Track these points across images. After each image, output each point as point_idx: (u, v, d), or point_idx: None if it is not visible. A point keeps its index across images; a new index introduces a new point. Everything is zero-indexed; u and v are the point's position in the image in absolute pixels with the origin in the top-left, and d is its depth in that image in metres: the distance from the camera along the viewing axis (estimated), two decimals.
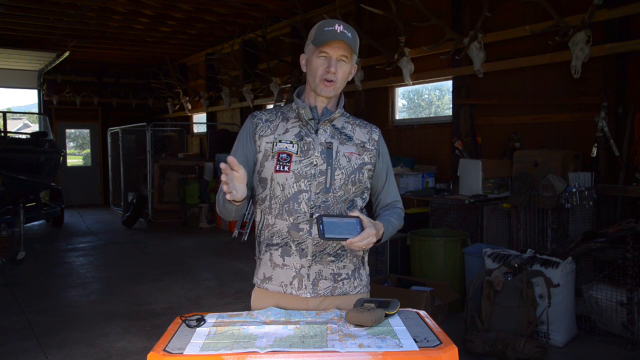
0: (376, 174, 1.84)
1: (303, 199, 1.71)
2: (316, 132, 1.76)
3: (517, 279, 3.72)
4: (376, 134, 1.84)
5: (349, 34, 1.70)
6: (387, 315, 1.57)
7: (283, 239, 1.75)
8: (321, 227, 1.55)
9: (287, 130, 1.77)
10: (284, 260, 1.76)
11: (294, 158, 1.72)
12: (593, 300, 3.89)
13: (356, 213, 1.61)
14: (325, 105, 1.79)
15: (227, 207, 1.66)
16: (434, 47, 5.79)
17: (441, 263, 4.67)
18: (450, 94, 6.23)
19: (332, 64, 1.70)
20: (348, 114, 1.87)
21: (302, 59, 1.81)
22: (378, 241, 1.68)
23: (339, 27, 1.69)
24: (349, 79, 1.80)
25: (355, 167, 1.76)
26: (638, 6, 4.28)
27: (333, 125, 1.79)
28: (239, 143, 1.81)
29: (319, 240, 1.72)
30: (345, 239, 1.56)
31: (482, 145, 5.78)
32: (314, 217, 1.70)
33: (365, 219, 1.60)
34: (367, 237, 1.57)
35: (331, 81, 1.72)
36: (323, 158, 1.73)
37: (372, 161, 1.80)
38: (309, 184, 1.72)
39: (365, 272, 1.86)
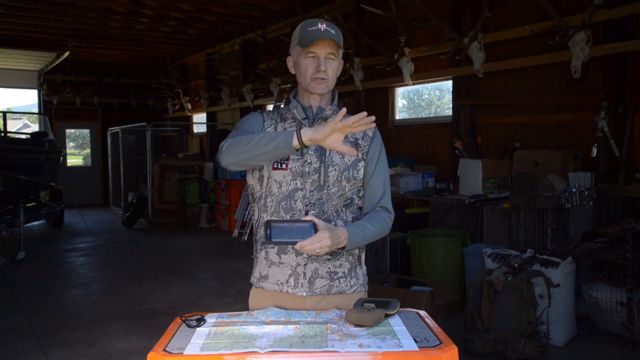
0: (366, 162, 1.81)
1: (299, 196, 1.74)
2: None
3: (517, 279, 3.72)
4: (370, 130, 1.83)
5: (333, 31, 1.72)
6: (387, 315, 1.57)
7: None
8: (268, 232, 1.56)
9: (285, 130, 1.80)
10: (280, 258, 1.77)
11: (291, 156, 1.73)
12: (593, 300, 3.89)
13: (309, 217, 1.61)
14: (318, 104, 1.81)
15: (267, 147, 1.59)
16: (434, 47, 5.79)
17: (441, 263, 4.67)
18: (450, 94, 6.23)
19: (321, 62, 1.73)
20: None
21: (289, 61, 1.84)
22: (343, 247, 1.66)
23: (322, 26, 1.71)
24: (338, 74, 1.82)
25: (349, 163, 1.77)
26: (638, 6, 4.28)
27: None
28: (249, 121, 1.81)
29: None
30: (294, 243, 1.55)
31: (482, 145, 5.78)
32: (264, 221, 1.70)
33: (320, 222, 1.59)
34: (319, 240, 1.55)
35: (323, 79, 1.74)
36: (317, 156, 1.75)
37: (365, 157, 1.81)
38: (304, 182, 1.74)
39: (362, 271, 1.86)
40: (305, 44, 1.72)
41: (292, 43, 1.79)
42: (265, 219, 1.77)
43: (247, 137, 1.63)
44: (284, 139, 1.56)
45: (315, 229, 1.56)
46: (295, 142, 1.54)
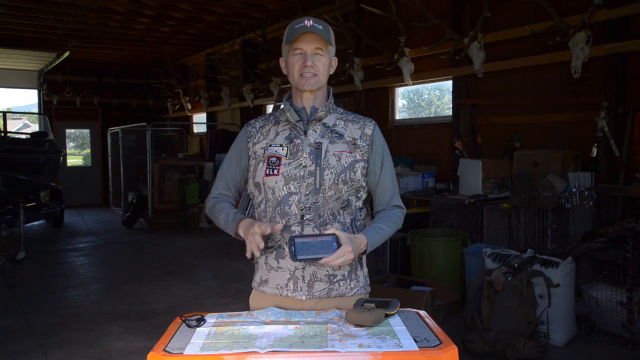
0: (370, 169, 1.80)
1: (293, 201, 1.72)
2: (305, 133, 1.76)
3: (517, 279, 3.72)
4: (369, 128, 1.80)
5: (320, 27, 1.70)
6: (387, 315, 1.57)
7: (277, 241, 1.76)
8: (293, 249, 1.56)
9: (277, 134, 1.78)
10: (278, 263, 1.76)
11: (283, 161, 1.72)
12: (593, 300, 3.89)
13: (332, 230, 1.60)
14: (312, 104, 1.78)
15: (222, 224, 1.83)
16: (434, 47, 5.79)
17: (441, 263, 4.67)
18: (450, 94, 6.23)
19: (308, 58, 1.71)
20: (342, 110, 1.85)
21: (282, 62, 1.82)
22: (364, 252, 1.69)
23: (308, 22, 1.70)
24: (331, 71, 1.80)
25: (346, 165, 1.73)
26: (638, 6, 4.28)
27: (324, 124, 1.78)
28: (232, 157, 1.88)
29: None
30: (319, 259, 1.56)
31: (482, 145, 5.77)
32: (288, 238, 1.69)
33: (342, 235, 1.59)
34: (343, 254, 1.57)
35: (313, 74, 1.72)
36: (312, 159, 1.72)
37: (365, 157, 1.77)
38: (299, 186, 1.71)
39: (362, 273, 1.83)
40: (291, 40, 1.70)
41: (283, 43, 1.78)
42: (289, 236, 1.68)
43: (215, 210, 1.85)
44: (231, 229, 1.78)
45: (337, 241, 1.58)
46: (235, 235, 1.76)
